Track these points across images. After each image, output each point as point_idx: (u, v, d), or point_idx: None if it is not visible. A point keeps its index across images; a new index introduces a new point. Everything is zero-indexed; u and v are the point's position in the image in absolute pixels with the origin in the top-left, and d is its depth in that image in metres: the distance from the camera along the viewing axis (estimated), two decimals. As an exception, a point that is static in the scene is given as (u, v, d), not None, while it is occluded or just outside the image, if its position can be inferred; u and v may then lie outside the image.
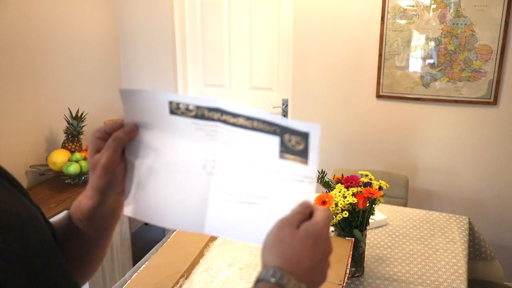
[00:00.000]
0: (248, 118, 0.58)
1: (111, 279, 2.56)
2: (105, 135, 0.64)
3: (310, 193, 0.59)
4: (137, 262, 1.66)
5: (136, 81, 3.20)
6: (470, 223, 1.92)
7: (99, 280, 2.46)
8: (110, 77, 3.10)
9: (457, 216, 1.96)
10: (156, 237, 3.04)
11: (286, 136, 0.59)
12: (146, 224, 2.92)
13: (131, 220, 2.70)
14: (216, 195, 0.61)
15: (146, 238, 2.92)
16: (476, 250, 1.95)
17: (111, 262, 2.55)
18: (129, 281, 1.22)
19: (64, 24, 2.64)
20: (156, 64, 3.12)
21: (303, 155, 0.60)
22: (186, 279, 1.23)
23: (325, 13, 2.67)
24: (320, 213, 0.57)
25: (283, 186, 0.60)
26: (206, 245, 1.38)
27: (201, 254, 1.34)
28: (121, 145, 0.63)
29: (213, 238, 1.43)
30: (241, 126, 0.59)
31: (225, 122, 0.59)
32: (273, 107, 3.00)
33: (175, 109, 0.61)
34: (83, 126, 2.52)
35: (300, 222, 0.56)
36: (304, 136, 0.60)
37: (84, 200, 0.66)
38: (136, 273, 1.25)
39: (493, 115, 2.49)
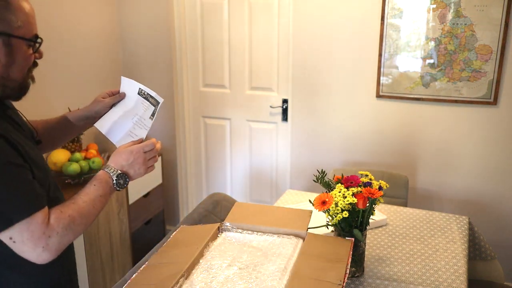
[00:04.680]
0: (153, 97, 1.36)
1: (111, 279, 2.56)
2: (110, 93, 1.38)
3: (144, 133, 1.34)
4: (137, 262, 1.66)
5: (136, 81, 3.20)
6: (470, 223, 1.92)
7: (99, 280, 2.46)
8: (110, 77, 3.10)
9: (457, 216, 1.97)
10: (156, 237, 3.04)
11: (156, 108, 1.36)
12: (146, 224, 2.92)
13: (131, 220, 2.70)
14: (131, 128, 1.34)
15: (146, 238, 2.92)
16: (476, 250, 1.95)
17: (111, 262, 2.55)
18: (129, 281, 1.22)
19: (65, 24, 2.65)
20: (156, 64, 3.12)
21: (154, 115, 1.36)
22: (186, 279, 1.23)
23: (325, 13, 2.67)
24: (140, 143, 1.27)
25: (143, 130, 1.34)
26: (206, 245, 1.38)
27: (201, 254, 1.33)
28: (118, 99, 1.37)
29: (213, 238, 1.43)
30: (151, 103, 1.36)
31: (148, 100, 1.36)
32: (273, 107, 3.00)
33: (140, 92, 1.37)
34: (83, 126, 2.52)
35: (131, 145, 1.26)
36: (158, 103, 1.37)
37: (78, 112, 1.39)
38: (136, 273, 1.25)
39: (493, 115, 2.49)
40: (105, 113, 1.36)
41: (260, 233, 1.45)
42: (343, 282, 1.15)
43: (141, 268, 1.28)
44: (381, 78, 2.63)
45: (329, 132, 2.84)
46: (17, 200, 1.00)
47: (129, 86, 1.38)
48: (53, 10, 2.55)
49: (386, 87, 2.64)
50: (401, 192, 2.33)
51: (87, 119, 1.38)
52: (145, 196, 2.87)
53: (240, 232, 1.46)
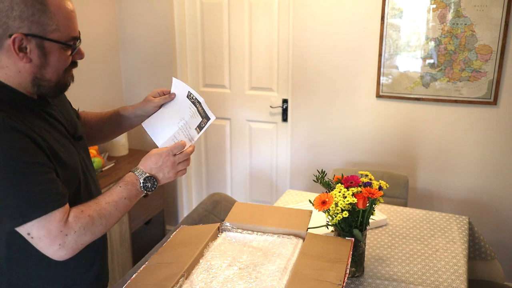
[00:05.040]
0: (201, 105, 1.32)
1: (111, 279, 2.56)
2: (161, 93, 1.40)
3: (187, 143, 1.30)
4: (137, 262, 1.66)
5: (136, 81, 3.21)
6: (470, 223, 1.92)
7: (99, 280, 2.46)
8: (110, 77, 3.10)
9: (457, 216, 1.97)
10: (156, 237, 3.04)
11: (204, 120, 1.33)
12: (146, 224, 2.92)
13: (131, 220, 2.70)
14: (175, 132, 1.34)
15: (146, 238, 2.92)
16: (476, 250, 1.95)
17: (111, 262, 2.55)
18: (129, 281, 1.22)
19: (64, 24, 2.64)
20: (156, 64, 3.12)
21: (201, 129, 1.33)
22: (186, 279, 1.23)
23: (325, 13, 2.67)
24: (169, 146, 1.24)
25: (187, 140, 1.32)
26: (206, 245, 1.38)
27: (201, 254, 1.33)
28: (167, 100, 1.37)
29: (213, 238, 1.43)
30: (198, 110, 1.33)
31: (196, 106, 1.33)
32: (273, 107, 3.00)
33: (188, 95, 1.34)
34: (83, 126, 2.52)
35: (163, 149, 1.23)
36: (208, 119, 1.32)
37: (129, 109, 1.44)
38: (136, 273, 1.25)
39: (493, 115, 2.49)
40: (154, 113, 1.37)
41: (260, 233, 1.45)
42: (343, 282, 1.15)
43: (141, 268, 1.28)
44: (381, 78, 2.63)
45: (329, 132, 2.84)
46: (36, 197, 1.03)
47: (179, 88, 1.36)
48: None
49: (386, 87, 2.64)
50: (401, 192, 2.33)
51: (136, 117, 1.42)
52: (145, 196, 2.87)
53: (240, 232, 1.46)
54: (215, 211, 2.00)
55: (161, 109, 1.37)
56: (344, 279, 1.16)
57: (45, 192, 1.04)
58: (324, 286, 1.14)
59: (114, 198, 1.15)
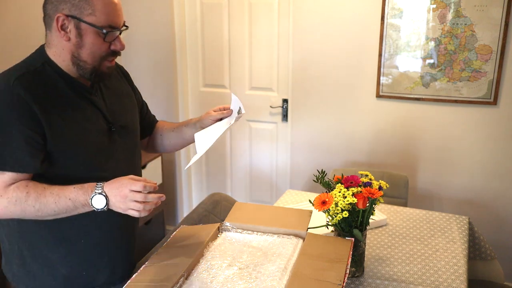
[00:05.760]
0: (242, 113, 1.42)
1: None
2: (222, 109, 1.46)
3: (203, 151, 1.41)
4: (137, 262, 1.67)
5: (136, 82, 3.20)
6: (470, 223, 1.92)
7: (99, 280, 2.46)
8: (110, 77, 3.10)
9: (457, 216, 1.97)
10: (156, 237, 3.04)
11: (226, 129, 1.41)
12: (146, 224, 2.92)
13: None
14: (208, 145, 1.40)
15: (146, 238, 2.92)
16: (476, 250, 1.95)
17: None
18: (129, 281, 1.22)
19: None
20: (156, 64, 3.12)
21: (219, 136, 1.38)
22: (186, 279, 1.23)
23: (325, 12, 2.67)
24: (133, 180, 1.18)
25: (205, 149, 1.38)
26: (206, 245, 1.38)
27: (201, 254, 1.33)
28: (224, 115, 1.45)
29: (213, 238, 1.43)
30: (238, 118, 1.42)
31: (237, 119, 1.41)
32: (273, 107, 3.00)
33: (239, 110, 1.40)
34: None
35: (133, 177, 1.20)
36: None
37: (191, 121, 1.54)
38: (136, 273, 1.25)
39: (493, 115, 2.49)
40: (209, 126, 1.45)
41: (260, 233, 1.46)
42: (343, 282, 1.15)
43: (141, 268, 1.28)
44: (381, 78, 2.63)
45: (329, 132, 2.84)
46: None
47: (235, 104, 1.42)
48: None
49: (386, 87, 2.64)
50: (401, 192, 2.33)
51: (196, 129, 1.50)
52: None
53: (240, 232, 1.46)
54: (215, 211, 2.00)
55: (216, 123, 1.43)
56: (344, 279, 1.16)
57: (9, 152, 1.16)
58: (324, 286, 1.14)
59: (60, 192, 1.18)
